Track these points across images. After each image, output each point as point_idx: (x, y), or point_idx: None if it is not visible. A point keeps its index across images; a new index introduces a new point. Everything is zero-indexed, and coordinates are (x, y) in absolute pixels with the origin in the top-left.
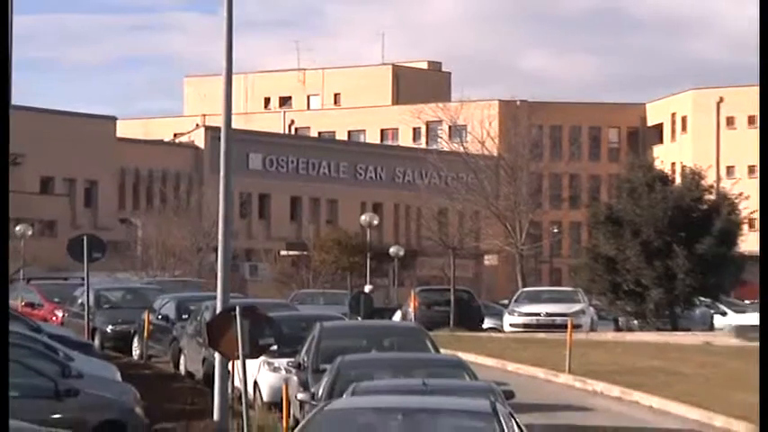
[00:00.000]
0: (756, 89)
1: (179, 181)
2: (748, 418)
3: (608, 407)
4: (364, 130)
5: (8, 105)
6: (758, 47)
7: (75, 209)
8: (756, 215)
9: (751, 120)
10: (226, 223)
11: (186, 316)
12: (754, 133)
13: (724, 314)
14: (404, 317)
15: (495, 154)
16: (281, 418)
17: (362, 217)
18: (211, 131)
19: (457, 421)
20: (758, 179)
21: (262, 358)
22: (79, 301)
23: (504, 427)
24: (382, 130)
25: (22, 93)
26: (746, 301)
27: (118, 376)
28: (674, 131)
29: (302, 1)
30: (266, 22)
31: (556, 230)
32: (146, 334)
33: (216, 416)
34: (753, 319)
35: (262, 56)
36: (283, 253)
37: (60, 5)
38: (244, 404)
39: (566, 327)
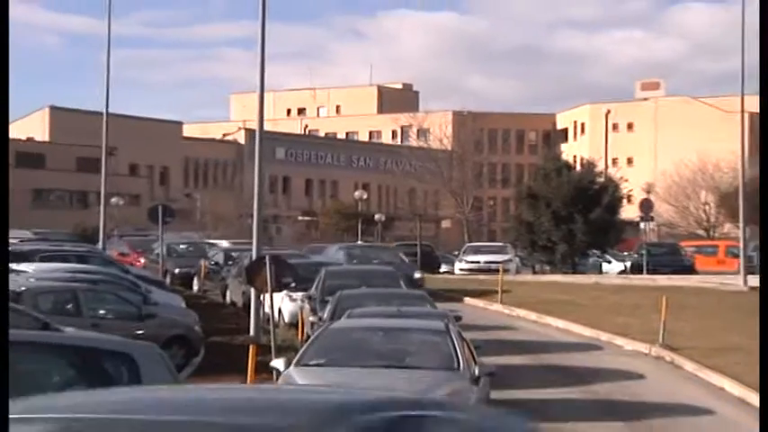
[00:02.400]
0: (633, 104)
1: (226, 167)
2: (624, 335)
3: (527, 327)
4: (357, 132)
5: (7, 106)
6: (758, 47)
7: (153, 186)
8: (633, 193)
9: (629, 126)
10: (259, 197)
11: (231, 262)
12: (632, 135)
13: (609, 262)
14: (394, 264)
15: (450, 149)
16: (298, 333)
17: (355, 193)
18: (249, 132)
19: (420, 336)
20: (758, 179)
21: (284, 292)
22: (155, 251)
23: (454, 340)
24: (370, 132)
25: (118, 103)
26: (624, 253)
27: (182, 304)
28: (575, 134)
29: (313, 39)
30: (287, 54)
31: (492, 203)
32: (202, 275)
33: (251, 332)
34: (627, 265)
35: (285, 78)
36: (300, 218)
37: (143, 42)
38: (271, 324)
39: (498, 271)
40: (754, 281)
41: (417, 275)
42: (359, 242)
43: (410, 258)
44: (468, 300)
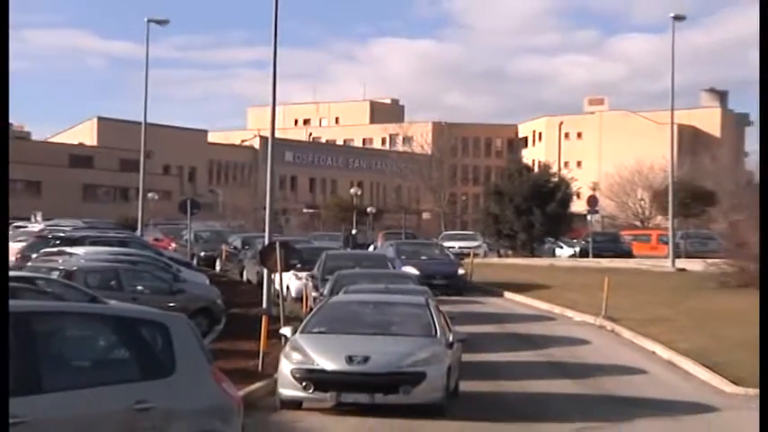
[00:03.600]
0: (581, 117)
1: (243, 168)
2: (574, 308)
3: (494, 302)
4: (353, 139)
5: (7, 106)
6: (758, 47)
7: (182, 184)
8: (581, 190)
9: (579, 135)
10: (271, 193)
11: (247, 247)
12: (581, 143)
13: (561, 248)
14: (375, 248)
15: (430, 153)
16: (302, 306)
17: (351, 190)
18: (263, 139)
19: (404, 309)
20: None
21: (291, 272)
22: (184, 237)
23: (432, 312)
24: (363, 139)
25: (154, 114)
26: (574, 240)
27: (206, 281)
28: (533, 141)
29: (316, 62)
30: (295, 74)
31: (464, 198)
32: (223, 257)
33: (264, 305)
34: (576, 250)
35: (292, 94)
36: (304, 211)
37: (175, 63)
38: (281, 298)
39: (469, 255)
40: (681, 263)
41: (461, 272)
42: (353, 230)
43: (385, 242)
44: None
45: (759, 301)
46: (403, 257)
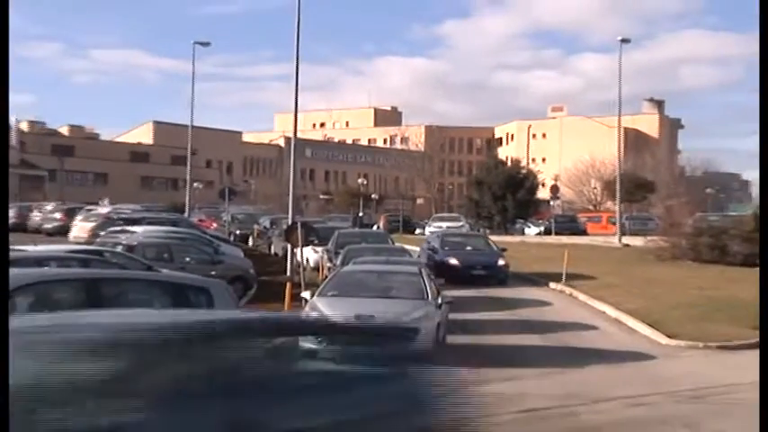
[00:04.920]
0: (546, 121)
1: (271, 162)
2: (541, 273)
3: None
4: (360, 139)
5: (7, 106)
6: (758, 47)
7: (222, 175)
8: (546, 181)
9: (543, 135)
10: (293, 183)
11: (274, 226)
12: (545, 142)
13: (529, 227)
14: (378, 227)
15: (422, 150)
16: (319, 275)
17: (358, 180)
18: (287, 139)
19: (402, 277)
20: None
21: (310, 246)
22: (223, 218)
23: (425, 279)
24: (368, 139)
25: (198, 118)
26: (540, 221)
27: (241, 254)
28: (507, 141)
29: (329, 76)
30: (313, 86)
31: (450, 187)
32: (255, 235)
33: (288, 273)
34: (542, 229)
35: (311, 102)
36: (321, 197)
37: (216, 77)
38: (301, 268)
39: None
40: (626, 240)
41: (502, 262)
42: (360, 213)
43: (395, 224)
44: None
45: (759, 301)
46: (446, 248)
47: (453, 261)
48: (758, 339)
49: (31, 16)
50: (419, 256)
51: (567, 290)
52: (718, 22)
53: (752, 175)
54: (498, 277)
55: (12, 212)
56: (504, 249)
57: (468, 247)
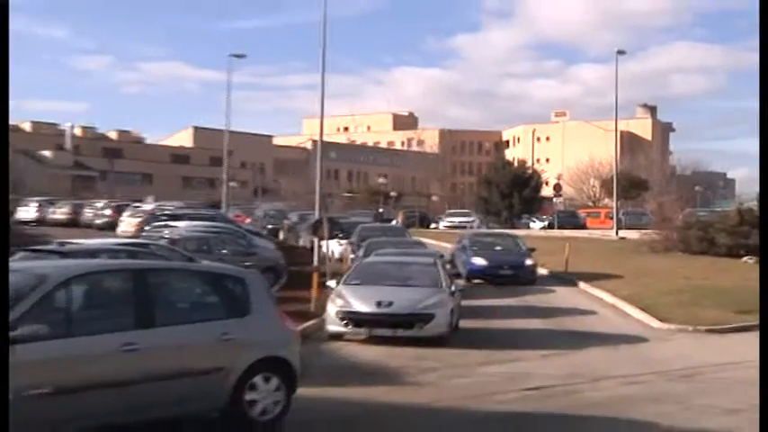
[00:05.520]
0: (549, 125)
1: (299, 163)
2: (544, 265)
3: None
4: (380, 142)
5: (7, 106)
6: (759, 46)
7: (255, 175)
8: (549, 180)
9: (547, 138)
10: (319, 181)
11: (302, 221)
12: (549, 144)
13: (534, 222)
14: (397, 222)
15: (436, 152)
16: (343, 265)
17: (378, 179)
18: (314, 142)
19: (418, 267)
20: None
21: (335, 239)
22: (257, 214)
23: (439, 269)
24: (388, 142)
25: (234, 123)
26: (543, 216)
27: (273, 247)
28: (514, 143)
29: (352, 85)
30: (337, 94)
31: (462, 186)
32: (285, 229)
33: (315, 264)
34: (545, 224)
35: (335, 108)
36: (344, 194)
37: (250, 86)
38: (327, 259)
39: (465, 227)
40: (622, 233)
41: (529, 262)
42: (380, 209)
43: (412, 219)
44: (444, 244)
45: (760, 301)
46: (474, 248)
47: (480, 261)
48: (743, 324)
49: (86, 33)
50: (451, 255)
51: (568, 278)
52: (705, 34)
53: (736, 173)
54: (526, 278)
55: (66, 209)
56: (532, 249)
57: (498, 247)
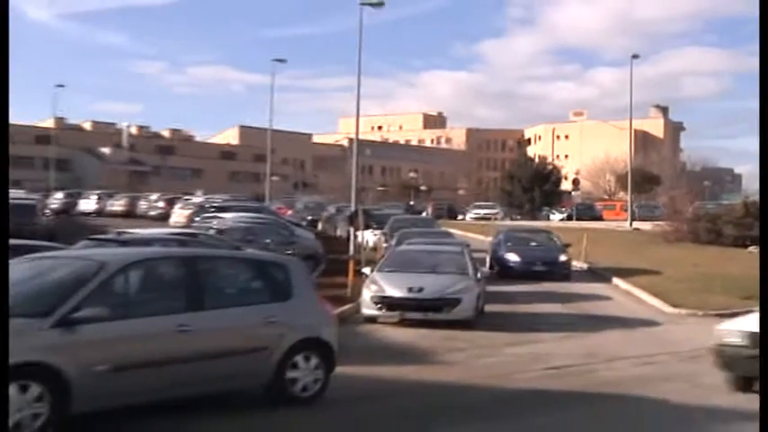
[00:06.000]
0: (568, 124)
1: (337, 160)
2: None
3: None
4: (411, 140)
5: (7, 106)
6: (758, 46)
7: (295, 170)
8: (568, 175)
9: (566, 137)
10: (355, 176)
11: (339, 213)
12: (568, 142)
13: (554, 213)
14: (427, 214)
15: (463, 149)
16: (377, 254)
17: (410, 174)
18: (350, 140)
19: (447, 255)
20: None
21: (369, 230)
22: (298, 206)
23: (466, 257)
24: (418, 140)
25: (276, 122)
26: (563, 209)
27: (312, 237)
28: (535, 141)
29: (386, 87)
30: (372, 95)
31: (487, 180)
32: (323, 220)
33: (351, 252)
34: (564, 216)
35: (370, 108)
36: (378, 188)
37: (291, 89)
38: (362, 248)
39: (490, 219)
40: (636, 225)
41: (563, 258)
42: (411, 202)
43: (441, 210)
44: (471, 234)
45: (759, 301)
46: (509, 243)
47: (514, 257)
48: (749, 309)
49: (141, 41)
50: (491, 250)
51: (586, 266)
52: (714, 39)
53: (742, 169)
54: (560, 273)
55: (123, 201)
56: (568, 245)
57: (532, 243)
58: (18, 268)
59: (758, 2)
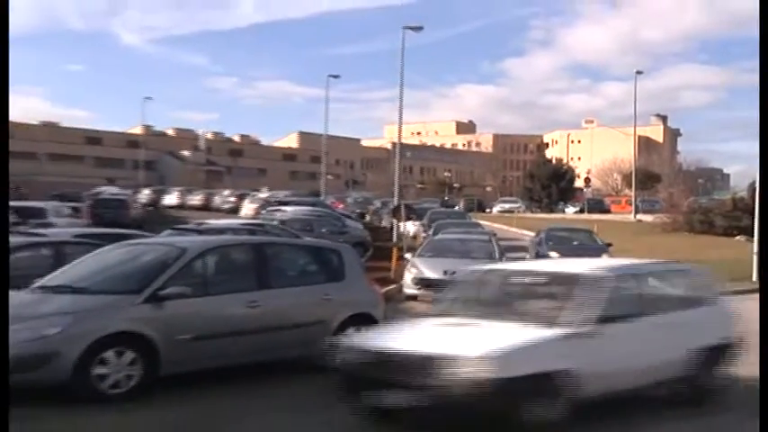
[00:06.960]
0: (580, 131)
1: (382, 161)
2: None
3: (527, 236)
4: (445, 144)
5: (7, 106)
6: (758, 46)
7: (346, 171)
8: (580, 174)
9: (579, 141)
10: (398, 175)
11: (384, 206)
12: (580, 146)
13: (568, 207)
14: (459, 208)
15: (491, 152)
16: (416, 241)
17: (445, 174)
18: (393, 144)
19: (477, 243)
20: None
21: (410, 221)
22: (349, 201)
23: (494, 244)
24: (452, 144)
25: (331, 129)
26: (576, 203)
27: (361, 227)
28: (552, 145)
29: (423, 98)
30: (412, 105)
31: (511, 178)
32: (370, 212)
33: (394, 240)
34: (577, 209)
35: (410, 116)
36: (418, 186)
37: (343, 100)
38: (404, 237)
39: (514, 212)
40: (639, 217)
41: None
42: (446, 197)
43: (471, 204)
44: (498, 225)
45: (759, 301)
46: (550, 242)
47: (554, 256)
48: (737, 289)
49: (217, 60)
50: (528, 250)
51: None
52: (707, 58)
53: (731, 169)
54: None
55: (200, 197)
56: (609, 244)
57: (574, 242)
58: (113, 253)
59: (758, 2)
